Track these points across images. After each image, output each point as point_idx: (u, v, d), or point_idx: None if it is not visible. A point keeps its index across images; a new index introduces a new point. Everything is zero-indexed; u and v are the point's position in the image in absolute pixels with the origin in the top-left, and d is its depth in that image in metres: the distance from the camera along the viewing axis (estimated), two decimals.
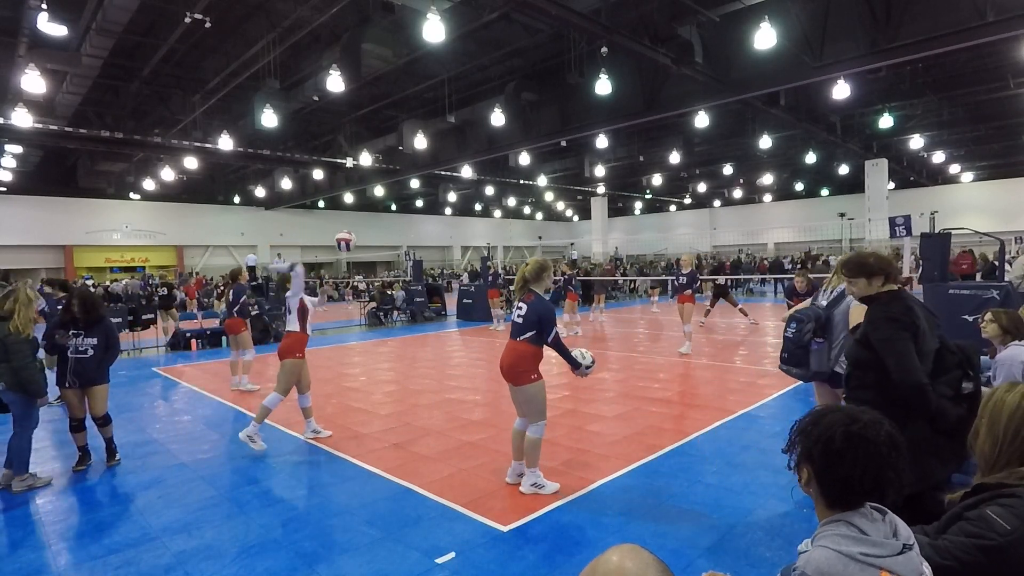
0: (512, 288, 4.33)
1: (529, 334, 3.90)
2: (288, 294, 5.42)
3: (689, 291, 9.29)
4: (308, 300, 5.46)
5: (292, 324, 5.33)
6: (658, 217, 41.07)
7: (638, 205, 39.04)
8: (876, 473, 1.33)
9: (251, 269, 23.96)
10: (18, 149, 18.90)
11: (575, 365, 4.06)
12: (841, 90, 11.52)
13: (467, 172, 22.13)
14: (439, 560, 3.11)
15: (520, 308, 4.00)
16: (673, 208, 39.07)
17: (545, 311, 3.93)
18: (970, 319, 7.19)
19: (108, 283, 23.49)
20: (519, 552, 3.18)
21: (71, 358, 4.67)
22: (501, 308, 14.34)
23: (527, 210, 42.43)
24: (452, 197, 31.03)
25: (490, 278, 14.66)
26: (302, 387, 5.36)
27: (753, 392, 6.72)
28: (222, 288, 15.33)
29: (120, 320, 11.59)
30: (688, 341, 9.56)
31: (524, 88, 14.66)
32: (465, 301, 16.46)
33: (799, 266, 18.40)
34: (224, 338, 11.84)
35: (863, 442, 1.33)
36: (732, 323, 13.29)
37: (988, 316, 3.76)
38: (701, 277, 10.15)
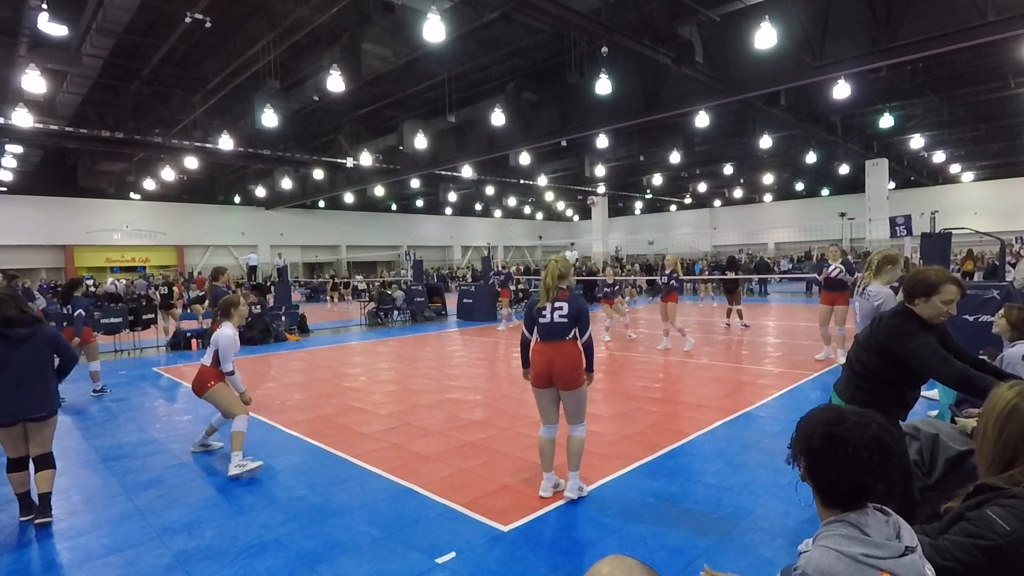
0: (538, 288, 4.05)
1: (574, 331, 3.82)
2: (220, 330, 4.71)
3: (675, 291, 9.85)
4: (228, 337, 4.69)
5: (207, 357, 4.72)
6: (658, 217, 41.11)
7: (638, 205, 39.06)
8: (852, 476, 1.30)
9: (252, 269, 23.67)
10: (18, 149, 18.94)
11: (591, 368, 3.95)
12: (841, 90, 11.51)
13: (467, 172, 22.13)
14: (439, 560, 3.11)
15: (560, 308, 3.81)
16: (673, 208, 39.10)
17: (584, 305, 3.87)
18: (971, 319, 7.19)
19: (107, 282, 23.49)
20: (519, 552, 3.17)
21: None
22: (508, 308, 14.30)
23: (527, 210, 42.45)
24: (452, 197, 31.04)
25: (502, 278, 14.55)
26: (233, 411, 4.70)
27: (753, 392, 6.72)
28: (179, 289, 15.11)
29: (120, 320, 11.60)
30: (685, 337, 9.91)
31: (524, 88, 14.66)
32: (465, 301, 16.45)
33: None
34: None
35: (842, 444, 1.31)
36: (731, 323, 13.26)
37: (1002, 311, 3.63)
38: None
